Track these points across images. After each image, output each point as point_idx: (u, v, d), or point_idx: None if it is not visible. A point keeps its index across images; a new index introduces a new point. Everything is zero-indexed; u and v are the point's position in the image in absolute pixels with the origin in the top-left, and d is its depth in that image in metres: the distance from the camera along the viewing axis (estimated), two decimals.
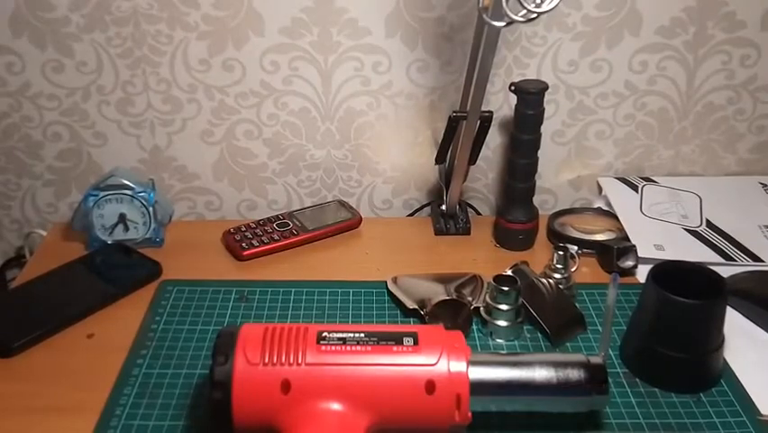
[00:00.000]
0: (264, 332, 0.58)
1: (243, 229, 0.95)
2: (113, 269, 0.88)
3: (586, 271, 0.90)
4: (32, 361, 0.75)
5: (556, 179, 1.06)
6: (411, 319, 0.80)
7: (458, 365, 0.57)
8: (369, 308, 0.82)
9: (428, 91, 0.99)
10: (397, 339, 0.58)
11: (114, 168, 0.96)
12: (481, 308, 0.78)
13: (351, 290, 0.85)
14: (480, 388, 0.57)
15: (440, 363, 0.56)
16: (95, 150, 1.01)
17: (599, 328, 0.78)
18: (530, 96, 0.89)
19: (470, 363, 0.57)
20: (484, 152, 0.99)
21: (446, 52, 0.96)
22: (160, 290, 0.85)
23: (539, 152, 0.92)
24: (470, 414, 0.57)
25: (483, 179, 1.06)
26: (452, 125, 0.91)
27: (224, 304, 0.83)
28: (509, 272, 0.81)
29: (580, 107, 1.01)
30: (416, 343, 0.58)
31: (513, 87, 0.90)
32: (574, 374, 0.59)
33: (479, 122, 0.89)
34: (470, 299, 0.79)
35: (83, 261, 0.89)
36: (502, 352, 0.61)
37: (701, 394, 0.70)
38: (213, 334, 0.76)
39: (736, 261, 0.89)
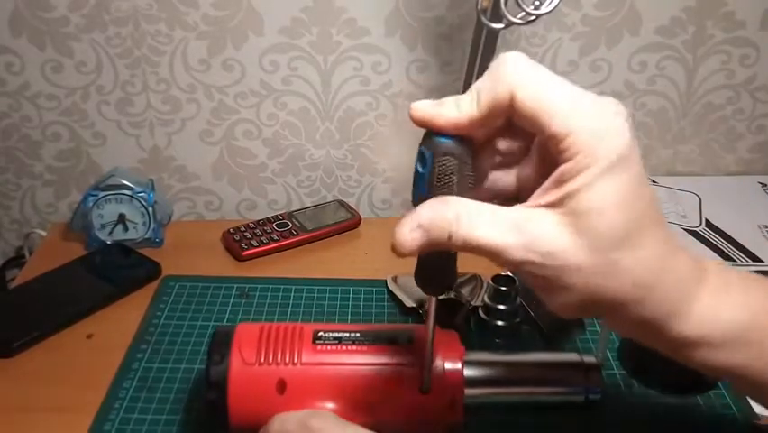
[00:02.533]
0: (260, 331, 0.58)
1: (243, 229, 0.95)
2: (112, 269, 0.88)
3: None
4: (32, 361, 0.75)
5: None
6: (410, 318, 0.80)
7: (452, 365, 0.57)
8: (368, 306, 0.82)
9: (428, 91, 0.99)
10: (392, 338, 0.58)
11: (114, 168, 0.96)
12: (480, 308, 0.78)
13: (351, 288, 0.85)
14: (474, 387, 0.57)
15: (434, 362, 0.56)
16: (94, 150, 1.01)
17: (598, 330, 0.78)
18: None
19: (465, 362, 0.57)
20: None
21: (446, 52, 0.96)
22: (163, 286, 0.85)
23: None
24: (464, 413, 0.57)
25: None
26: None
27: (225, 301, 0.83)
28: (508, 272, 0.81)
29: None
30: (410, 342, 0.58)
31: None
32: (568, 373, 0.59)
33: None
34: (468, 298, 0.79)
35: (82, 261, 0.89)
36: (497, 351, 0.61)
37: (698, 397, 0.70)
38: (212, 330, 0.76)
39: (735, 261, 0.89)
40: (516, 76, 0.41)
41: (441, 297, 0.51)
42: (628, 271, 0.41)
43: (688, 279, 0.43)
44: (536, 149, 0.46)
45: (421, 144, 0.45)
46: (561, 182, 0.40)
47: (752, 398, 0.52)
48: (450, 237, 0.41)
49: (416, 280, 0.49)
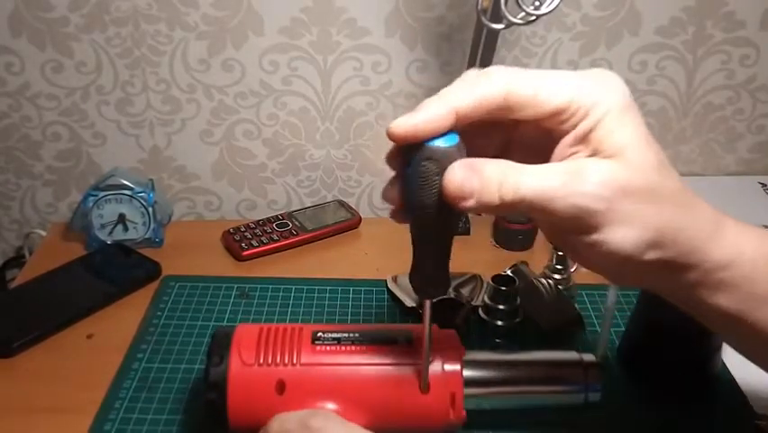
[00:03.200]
0: (259, 332, 0.58)
1: (243, 229, 0.95)
2: (112, 269, 0.88)
3: (586, 271, 0.89)
4: (32, 361, 0.75)
5: None
6: (410, 318, 0.80)
7: (452, 364, 0.57)
8: (368, 306, 0.83)
9: (428, 91, 0.99)
10: (391, 339, 0.58)
11: (114, 168, 0.96)
12: (480, 308, 0.78)
13: (351, 288, 0.85)
14: (474, 386, 0.57)
15: (434, 362, 0.56)
16: (94, 150, 1.01)
17: (599, 330, 0.78)
18: None
19: (465, 362, 0.57)
20: None
21: (446, 52, 0.96)
22: (163, 286, 0.86)
23: None
24: (464, 413, 0.57)
25: None
26: None
27: (225, 301, 0.83)
28: (508, 272, 0.81)
29: None
30: (409, 342, 0.58)
31: None
32: (568, 371, 0.59)
33: None
34: (468, 298, 0.79)
35: (82, 261, 0.89)
36: (497, 351, 0.61)
37: (699, 396, 0.70)
38: (212, 330, 0.77)
39: None
40: (506, 71, 0.44)
41: (436, 299, 0.51)
42: (672, 192, 0.44)
43: (711, 206, 0.46)
44: (522, 141, 0.49)
45: (427, 159, 0.44)
46: (584, 137, 0.43)
47: (749, 351, 0.52)
48: (501, 187, 0.42)
49: (410, 283, 0.49)
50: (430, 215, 0.44)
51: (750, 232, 0.47)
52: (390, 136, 0.43)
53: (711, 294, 0.46)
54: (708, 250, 0.45)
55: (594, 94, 0.43)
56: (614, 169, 0.42)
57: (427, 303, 0.51)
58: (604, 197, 0.42)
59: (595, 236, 0.43)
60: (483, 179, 0.42)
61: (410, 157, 0.44)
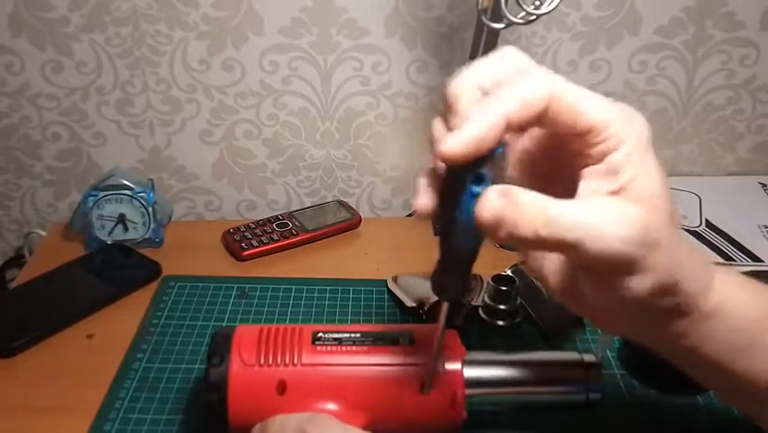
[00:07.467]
0: (259, 333, 0.58)
1: (243, 229, 0.95)
2: (112, 269, 0.88)
3: None
4: (32, 361, 0.75)
5: None
6: (410, 318, 0.80)
7: (453, 365, 0.57)
8: (368, 306, 0.82)
9: (428, 91, 0.99)
10: (392, 339, 0.58)
11: (114, 168, 0.96)
12: (480, 308, 0.78)
13: (351, 288, 0.85)
14: (474, 387, 0.57)
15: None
16: (94, 150, 1.01)
17: (599, 330, 0.78)
18: None
19: (466, 362, 0.57)
20: None
21: (446, 52, 0.96)
22: (163, 286, 0.86)
23: None
24: (465, 413, 0.57)
25: None
26: None
27: (225, 300, 0.83)
28: (509, 272, 0.81)
29: None
30: (411, 342, 0.58)
31: None
32: (568, 372, 0.59)
33: None
34: (468, 298, 0.79)
35: (82, 261, 0.89)
36: (497, 351, 0.61)
37: (698, 397, 0.70)
38: (212, 330, 0.76)
39: (735, 261, 0.89)
40: (547, 73, 0.42)
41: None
42: (684, 242, 0.44)
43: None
44: (545, 148, 0.47)
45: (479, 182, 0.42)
46: (613, 172, 0.41)
47: (737, 402, 0.52)
48: (536, 219, 0.40)
49: (432, 285, 0.48)
50: (473, 238, 0.44)
51: (732, 280, 0.47)
52: (447, 158, 0.40)
53: (696, 343, 0.46)
54: (702, 299, 0.45)
55: (626, 126, 0.42)
56: (649, 219, 0.41)
57: (444, 305, 0.51)
58: (643, 245, 0.41)
59: (610, 284, 0.42)
60: (519, 208, 0.40)
61: (458, 179, 0.42)
